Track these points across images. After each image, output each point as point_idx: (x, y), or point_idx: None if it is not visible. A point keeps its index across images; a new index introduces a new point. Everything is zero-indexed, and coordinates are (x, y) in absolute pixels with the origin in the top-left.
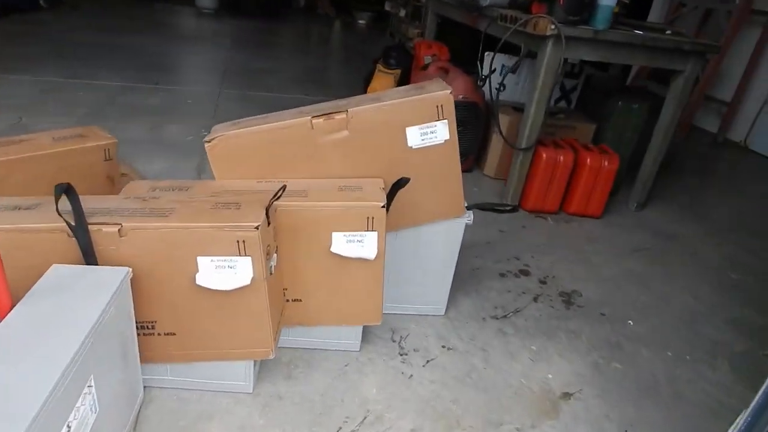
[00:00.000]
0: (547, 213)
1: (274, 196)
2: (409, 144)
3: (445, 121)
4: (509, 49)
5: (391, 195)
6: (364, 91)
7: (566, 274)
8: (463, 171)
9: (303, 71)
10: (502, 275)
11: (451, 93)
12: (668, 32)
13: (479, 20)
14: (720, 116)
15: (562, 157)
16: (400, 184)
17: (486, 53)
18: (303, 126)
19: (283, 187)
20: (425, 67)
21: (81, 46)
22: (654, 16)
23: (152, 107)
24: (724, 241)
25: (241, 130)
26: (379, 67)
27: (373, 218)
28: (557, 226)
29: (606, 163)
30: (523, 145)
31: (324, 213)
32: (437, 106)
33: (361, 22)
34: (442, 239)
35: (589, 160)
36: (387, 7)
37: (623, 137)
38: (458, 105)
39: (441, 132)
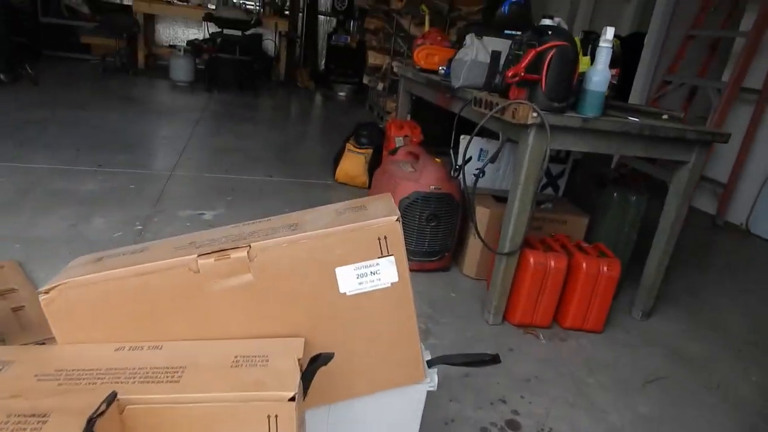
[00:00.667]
0: (538, 327)
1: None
2: (342, 290)
3: (391, 258)
4: (487, 131)
5: (308, 375)
6: (333, 172)
7: (566, 425)
8: (439, 270)
9: (271, 149)
10: (485, 431)
11: (398, 220)
12: (665, 116)
13: (453, 102)
14: (716, 197)
15: (553, 262)
16: (320, 361)
17: (461, 137)
18: (183, 270)
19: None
20: (394, 151)
21: (26, 123)
22: (636, 94)
23: (84, 195)
24: (749, 362)
25: (92, 276)
26: (349, 146)
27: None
28: (551, 348)
29: (605, 269)
30: (506, 250)
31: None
32: (380, 239)
33: (341, 94)
34: (394, 413)
35: (585, 265)
36: (365, 81)
37: (621, 233)
38: (430, 197)
39: (386, 272)
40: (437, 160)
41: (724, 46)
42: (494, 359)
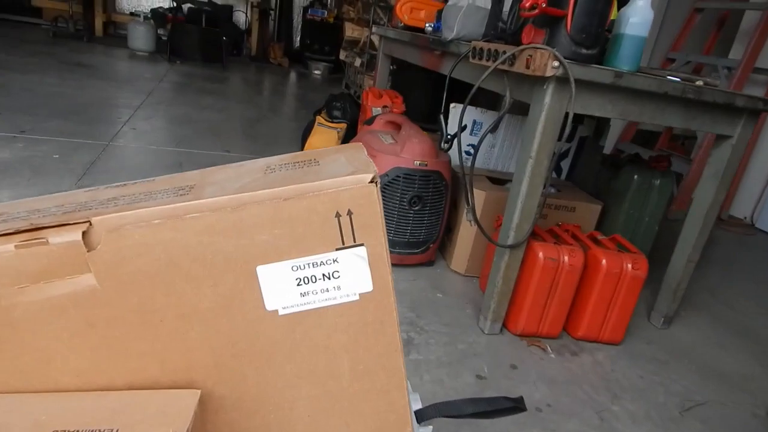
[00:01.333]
0: (544, 338)
1: None
2: (269, 306)
3: (360, 250)
4: (482, 99)
5: None
6: (302, 149)
7: None
8: (423, 264)
9: (234, 123)
10: None
11: (374, 181)
12: (698, 82)
13: (443, 62)
14: None
15: (567, 258)
16: None
17: (452, 106)
18: None
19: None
20: (371, 120)
21: None
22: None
23: None
24: None
25: None
26: (320, 119)
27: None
28: (562, 364)
29: (630, 267)
30: (510, 241)
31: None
32: (339, 216)
33: (316, 72)
34: None
35: (605, 261)
36: (342, 57)
37: (640, 224)
38: (415, 174)
39: (351, 275)
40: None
41: (733, 22)
42: (517, 406)
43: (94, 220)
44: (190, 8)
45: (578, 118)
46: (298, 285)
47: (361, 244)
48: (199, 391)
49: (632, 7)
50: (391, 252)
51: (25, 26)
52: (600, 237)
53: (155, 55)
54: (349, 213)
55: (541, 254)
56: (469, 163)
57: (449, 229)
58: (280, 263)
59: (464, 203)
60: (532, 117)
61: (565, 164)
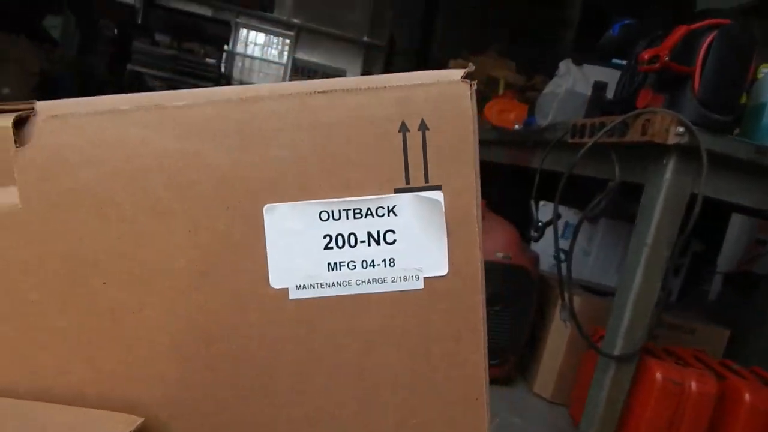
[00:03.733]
0: None
1: None
2: (273, 282)
3: (437, 192)
4: (572, 198)
5: None
6: None
7: None
8: (498, 381)
9: None
10: None
11: (468, 80)
12: None
13: (533, 155)
14: None
15: (694, 384)
16: None
17: (541, 203)
18: None
19: None
20: None
21: None
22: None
23: None
24: None
25: None
26: None
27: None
28: None
29: None
30: (617, 351)
31: None
32: (404, 128)
33: None
34: None
35: (749, 396)
36: None
37: None
38: (496, 268)
39: (416, 240)
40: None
41: None
42: None
43: (39, 104)
44: None
45: (697, 230)
46: (326, 248)
47: (438, 187)
48: (139, 420)
49: None
50: None
51: None
52: (736, 366)
53: None
54: (423, 127)
55: (659, 374)
56: (563, 265)
57: (533, 343)
58: (303, 204)
59: (555, 307)
60: (647, 199)
61: (677, 282)
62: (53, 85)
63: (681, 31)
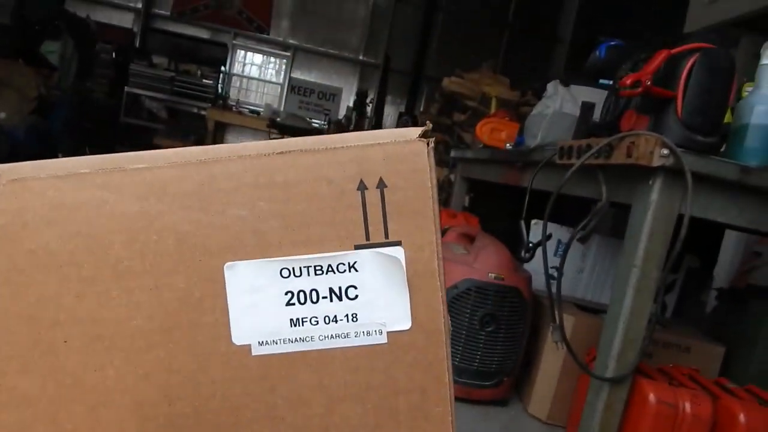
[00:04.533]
0: None
1: None
2: (237, 340)
3: (397, 248)
4: (568, 216)
5: None
6: None
7: None
8: (494, 402)
9: None
10: None
11: (426, 138)
12: None
13: (523, 174)
14: None
15: (688, 405)
16: None
17: (533, 222)
18: None
19: None
20: (443, 233)
21: None
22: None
23: None
24: None
25: None
26: None
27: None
28: None
29: None
30: (609, 374)
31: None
32: (362, 186)
33: None
34: None
35: (743, 416)
36: None
37: None
38: (489, 288)
39: (379, 295)
40: None
41: None
42: None
43: (1, 168)
44: None
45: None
46: (288, 304)
47: (398, 243)
48: None
49: (756, 94)
50: (455, 381)
51: None
52: (730, 386)
53: None
54: (382, 185)
55: (652, 396)
56: (553, 283)
57: (528, 363)
58: (263, 262)
59: (548, 328)
60: (634, 220)
61: (672, 297)
62: (51, 109)
63: (662, 55)
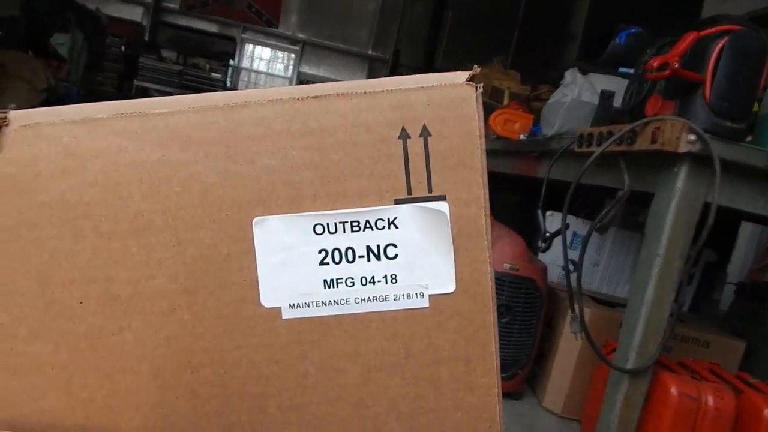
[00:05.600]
0: None
1: None
2: (264, 302)
3: (442, 202)
4: (580, 208)
5: None
6: None
7: None
8: (508, 396)
9: None
10: None
11: (473, 82)
12: None
13: (539, 164)
14: None
15: (711, 399)
16: None
17: (548, 213)
18: None
19: None
20: None
21: None
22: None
23: None
24: None
25: None
26: None
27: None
28: None
29: None
30: (630, 365)
31: None
32: (404, 134)
33: None
34: None
35: (767, 410)
36: None
37: None
38: (503, 279)
39: (420, 255)
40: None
41: None
42: None
43: (12, 113)
44: None
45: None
46: (322, 263)
47: (443, 197)
48: None
49: None
50: None
51: None
52: (753, 380)
53: None
54: (426, 133)
55: (674, 389)
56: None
57: (542, 356)
58: (295, 216)
59: (564, 319)
60: (657, 208)
61: (689, 292)
62: (60, 102)
63: (690, 37)
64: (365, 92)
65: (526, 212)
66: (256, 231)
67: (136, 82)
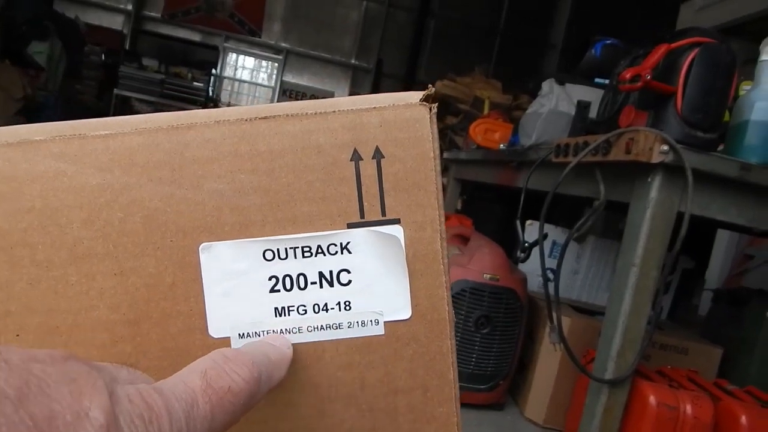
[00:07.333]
0: None
1: None
2: (212, 331)
3: (396, 226)
4: (562, 217)
5: None
6: None
7: None
8: (489, 406)
9: None
10: None
11: (428, 101)
12: None
13: (518, 174)
14: None
15: (689, 407)
16: None
17: (528, 222)
18: None
19: None
20: None
21: None
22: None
23: None
24: None
25: None
26: None
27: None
28: None
29: None
30: (609, 375)
31: None
32: (356, 156)
33: None
34: None
35: (745, 419)
36: None
37: None
38: (484, 289)
39: (374, 281)
40: None
41: None
42: None
43: None
44: None
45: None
46: (272, 291)
47: (397, 221)
48: None
49: (757, 91)
50: None
51: None
52: (730, 387)
53: None
54: (378, 155)
55: (652, 398)
56: (550, 285)
57: (523, 366)
58: (244, 242)
59: (544, 329)
60: (633, 218)
61: (667, 299)
62: (37, 111)
63: (662, 49)
64: (316, 113)
65: (507, 222)
66: (202, 258)
67: (116, 91)
